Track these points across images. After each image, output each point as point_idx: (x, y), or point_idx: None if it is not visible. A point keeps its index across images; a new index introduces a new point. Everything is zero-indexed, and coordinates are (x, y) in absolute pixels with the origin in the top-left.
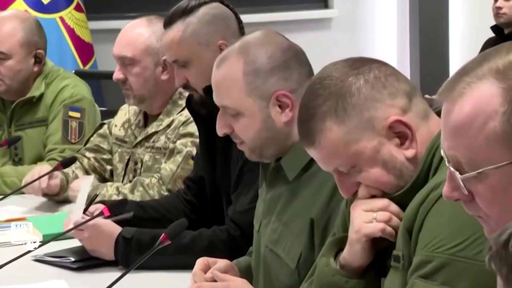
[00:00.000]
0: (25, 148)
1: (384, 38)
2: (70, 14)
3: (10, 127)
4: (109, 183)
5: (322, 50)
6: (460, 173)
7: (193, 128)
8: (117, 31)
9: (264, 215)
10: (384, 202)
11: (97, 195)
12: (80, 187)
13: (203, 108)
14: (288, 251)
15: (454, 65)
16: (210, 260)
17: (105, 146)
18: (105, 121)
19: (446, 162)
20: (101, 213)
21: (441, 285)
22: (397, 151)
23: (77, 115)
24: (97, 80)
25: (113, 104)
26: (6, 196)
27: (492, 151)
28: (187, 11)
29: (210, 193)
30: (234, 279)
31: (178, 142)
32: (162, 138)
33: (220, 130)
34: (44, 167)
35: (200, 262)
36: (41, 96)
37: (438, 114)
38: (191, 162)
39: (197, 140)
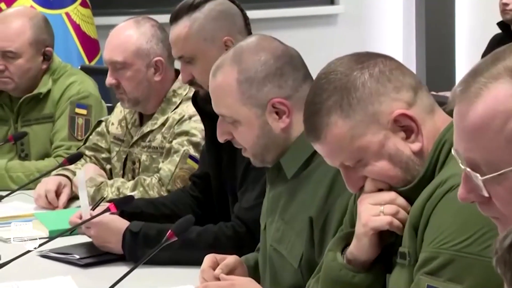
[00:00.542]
0: (32, 144)
1: (390, 34)
2: (76, 10)
3: (17, 122)
4: (110, 182)
5: (328, 46)
6: (479, 175)
7: (187, 126)
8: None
9: (268, 214)
10: (391, 195)
11: (104, 198)
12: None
13: (209, 105)
14: (290, 250)
15: (460, 61)
16: (219, 256)
17: (103, 144)
18: (102, 118)
19: (461, 164)
20: (107, 209)
21: (448, 281)
22: (402, 145)
23: (84, 112)
24: (102, 76)
25: (118, 100)
26: (12, 192)
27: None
28: (193, 7)
29: (216, 189)
30: (239, 278)
31: (174, 141)
32: (158, 137)
33: (221, 137)
34: (50, 182)
35: (209, 258)
36: (48, 92)
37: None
38: (189, 161)
39: (193, 138)
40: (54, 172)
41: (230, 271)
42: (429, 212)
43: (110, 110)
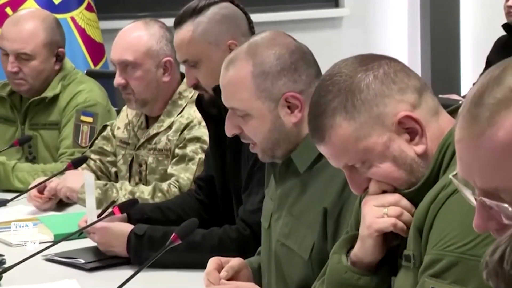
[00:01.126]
0: (39, 147)
1: (395, 37)
2: (81, 14)
3: (24, 124)
4: (117, 185)
5: (333, 49)
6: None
7: (198, 131)
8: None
9: (275, 210)
10: (395, 197)
11: (115, 202)
12: (82, 186)
13: (213, 108)
14: (300, 243)
15: (465, 63)
16: (223, 259)
17: (108, 148)
18: (108, 123)
19: (471, 196)
20: (111, 213)
21: (452, 283)
22: (407, 147)
23: (89, 119)
24: (108, 80)
25: (124, 104)
26: (18, 196)
27: None
28: (197, 11)
29: (220, 192)
30: (242, 283)
31: (188, 149)
32: (163, 139)
33: (229, 131)
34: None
35: (213, 261)
36: (57, 97)
37: (449, 113)
38: None
39: (205, 145)
40: (55, 178)
41: (235, 274)
42: (433, 214)
43: (117, 114)
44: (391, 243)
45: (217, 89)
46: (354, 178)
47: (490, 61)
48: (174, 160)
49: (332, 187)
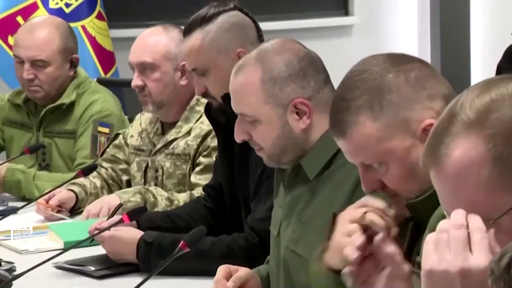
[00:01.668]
0: (53, 155)
1: (404, 45)
2: (91, 23)
3: (39, 131)
4: (152, 190)
5: (343, 57)
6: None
7: None
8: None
9: (283, 218)
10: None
11: (122, 204)
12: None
13: (222, 116)
14: (309, 249)
15: (476, 70)
16: (232, 267)
17: (121, 156)
18: (120, 131)
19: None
20: (121, 221)
21: None
22: None
23: (106, 130)
24: (118, 88)
25: (135, 112)
26: (28, 203)
27: (495, 199)
28: (206, 20)
29: (229, 200)
30: None
31: (214, 158)
32: (181, 144)
33: (238, 137)
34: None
35: (222, 269)
36: (72, 105)
37: None
38: None
39: None
40: (64, 186)
41: (243, 284)
42: None
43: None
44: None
45: (225, 97)
46: (367, 177)
47: (501, 69)
48: (198, 169)
49: (341, 193)
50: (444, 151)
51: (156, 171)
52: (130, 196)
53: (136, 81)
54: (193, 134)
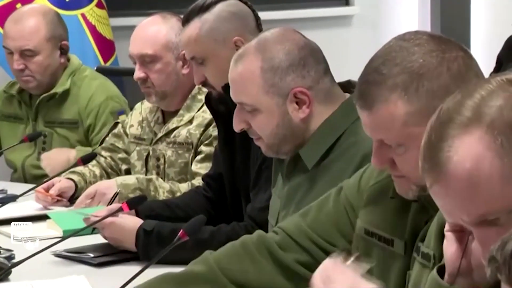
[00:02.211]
0: (54, 145)
1: None
2: (91, 11)
3: (35, 120)
4: (156, 182)
5: (343, 48)
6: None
7: None
8: (136, 27)
9: (282, 207)
10: None
11: (118, 193)
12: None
13: (222, 105)
14: None
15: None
16: None
17: (120, 145)
18: (119, 120)
19: (472, 227)
20: (120, 209)
21: None
22: None
23: (124, 117)
24: (118, 77)
25: (134, 101)
26: (27, 191)
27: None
28: (204, 8)
29: (229, 190)
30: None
31: (214, 147)
32: (183, 132)
33: (237, 126)
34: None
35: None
36: (68, 93)
37: None
38: None
39: None
40: (64, 174)
41: None
42: None
43: None
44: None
45: (226, 87)
46: (380, 153)
47: (501, 59)
48: (199, 157)
49: (339, 183)
50: (446, 155)
51: (158, 159)
52: (129, 192)
53: (138, 73)
54: (195, 122)
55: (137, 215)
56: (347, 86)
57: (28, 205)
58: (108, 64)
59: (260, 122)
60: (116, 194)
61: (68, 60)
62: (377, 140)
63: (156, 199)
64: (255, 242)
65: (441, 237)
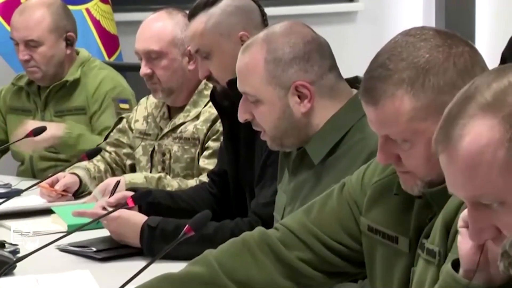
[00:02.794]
0: None
1: None
2: (96, 6)
3: (44, 111)
4: (165, 180)
5: (347, 44)
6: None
7: None
8: (142, 23)
9: (288, 203)
10: None
11: (119, 182)
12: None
13: (226, 100)
14: None
15: None
16: None
17: (124, 140)
18: (123, 115)
19: (467, 203)
20: (125, 204)
21: None
22: None
23: (126, 106)
24: (122, 72)
25: (139, 96)
26: (31, 186)
27: (510, 180)
28: (210, 3)
29: (233, 185)
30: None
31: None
32: (190, 128)
33: (241, 116)
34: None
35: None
36: (78, 82)
37: None
38: None
39: None
40: (68, 169)
41: None
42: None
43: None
44: None
45: (230, 83)
46: (385, 149)
47: (505, 57)
48: (207, 153)
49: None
50: (458, 133)
51: (163, 155)
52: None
53: (144, 69)
54: (202, 118)
55: (140, 209)
56: (354, 82)
57: (33, 199)
58: (112, 59)
59: (262, 114)
60: (118, 183)
61: (78, 53)
62: (382, 135)
63: (159, 189)
64: (256, 239)
65: (446, 233)
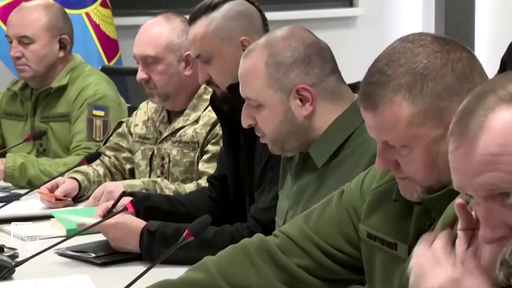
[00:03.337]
0: (50, 140)
1: None
2: (96, 10)
3: (34, 117)
4: (161, 183)
5: (347, 49)
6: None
7: None
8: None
9: (290, 207)
10: None
11: (125, 192)
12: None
13: (226, 105)
14: None
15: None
16: None
17: (124, 144)
18: (123, 120)
19: (480, 199)
20: (125, 209)
21: None
22: None
23: (101, 113)
24: (122, 77)
25: (138, 101)
26: (31, 191)
27: None
28: (211, 7)
29: (233, 190)
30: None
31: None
32: (189, 132)
33: (244, 122)
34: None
35: None
36: (65, 89)
37: None
38: None
39: None
40: (67, 174)
41: None
42: None
43: (129, 110)
44: None
45: (230, 87)
46: (384, 155)
47: (505, 63)
48: (206, 157)
49: (348, 182)
50: (478, 124)
51: (163, 159)
52: None
53: (141, 74)
54: (201, 122)
55: (137, 214)
56: (356, 87)
57: (32, 204)
58: (112, 63)
59: (264, 118)
60: (122, 194)
61: (71, 56)
62: (381, 141)
63: (157, 193)
64: (255, 246)
65: None
